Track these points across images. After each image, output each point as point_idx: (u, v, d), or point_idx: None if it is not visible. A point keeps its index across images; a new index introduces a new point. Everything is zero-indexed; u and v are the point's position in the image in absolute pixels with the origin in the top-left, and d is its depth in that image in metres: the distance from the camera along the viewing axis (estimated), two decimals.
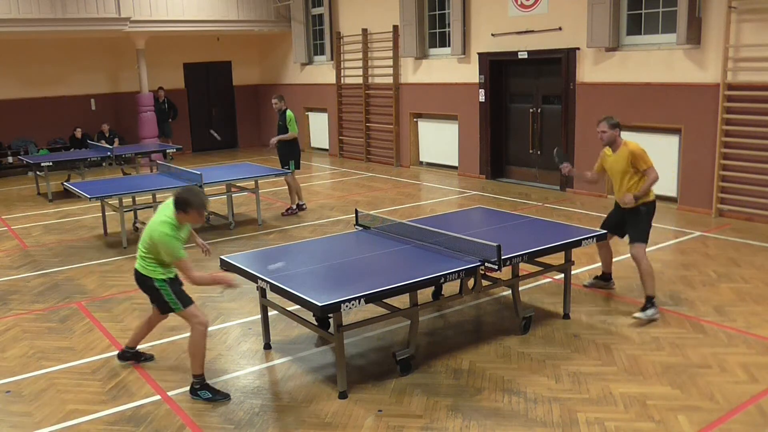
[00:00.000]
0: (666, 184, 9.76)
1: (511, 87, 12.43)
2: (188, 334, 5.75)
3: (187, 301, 4.77)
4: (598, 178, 6.40)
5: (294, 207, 10.40)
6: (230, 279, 4.77)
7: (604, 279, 6.61)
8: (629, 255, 6.64)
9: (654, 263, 7.04)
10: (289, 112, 10.25)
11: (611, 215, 6.32)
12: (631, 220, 6.02)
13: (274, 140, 10.32)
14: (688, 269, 7.05)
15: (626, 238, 6.11)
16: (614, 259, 7.34)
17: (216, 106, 18.85)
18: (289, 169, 10.25)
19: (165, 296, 4.75)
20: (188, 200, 4.60)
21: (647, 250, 5.98)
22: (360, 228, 6.20)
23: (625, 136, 6.34)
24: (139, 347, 5.30)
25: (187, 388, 4.81)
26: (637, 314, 5.78)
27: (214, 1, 15.98)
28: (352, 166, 14.97)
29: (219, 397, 4.67)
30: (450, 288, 6.11)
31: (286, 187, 10.52)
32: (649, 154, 5.97)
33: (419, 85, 13.95)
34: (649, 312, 5.75)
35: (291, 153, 10.34)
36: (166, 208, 4.68)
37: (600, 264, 6.69)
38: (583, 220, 9.13)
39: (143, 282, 4.80)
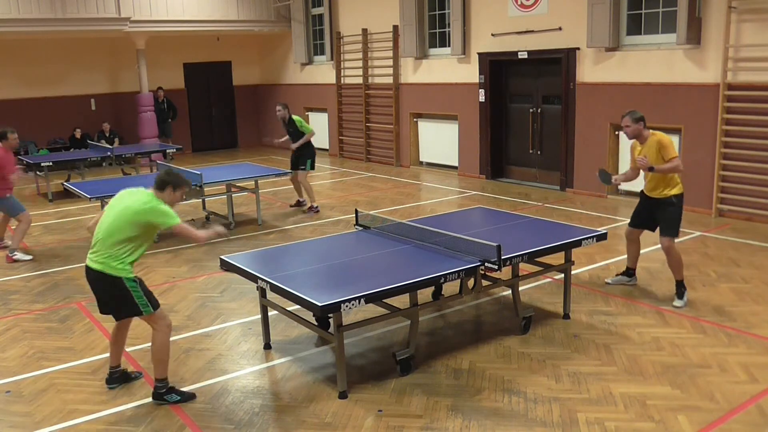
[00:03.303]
0: None
1: (511, 87, 12.43)
2: (188, 334, 5.80)
3: (155, 303, 4.55)
4: (635, 174, 6.41)
5: (315, 205, 10.37)
6: (220, 230, 4.86)
7: (628, 274, 6.65)
8: (627, 255, 6.68)
9: (654, 263, 7.06)
10: (295, 117, 10.32)
11: (639, 209, 6.38)
12: (663, 213, 6.08)
13: (294, 146, 10.36)
14: (688, 269, 7.03)
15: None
16: (614, 259, 7.37)
17: (216, 106, 18.87)
18: (305, 168, 10.30)
19: (135, 297, 4.42)
20: (176, 179, 4.55)
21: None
22: (360, 228, 6.20)
23: (625, 135, 6.34)
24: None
25: (187, 388, 4.81)
26: (677, 303, 6.03)
27: (214, 1, 15.98)
28: (352, 166, 14.98)
29: (187, 396, 4.62)
30: (450, 288, 6.11)
31: (297, 186, 10.54)
32: None
33: (419, 85, 13.95)
34: (685, 297, 6.06)
35: (310, 152, 10.37)
36: (135, 193, 4.51)
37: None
38: (583, 220, 9.13)
39: (109, 284, 4.41)
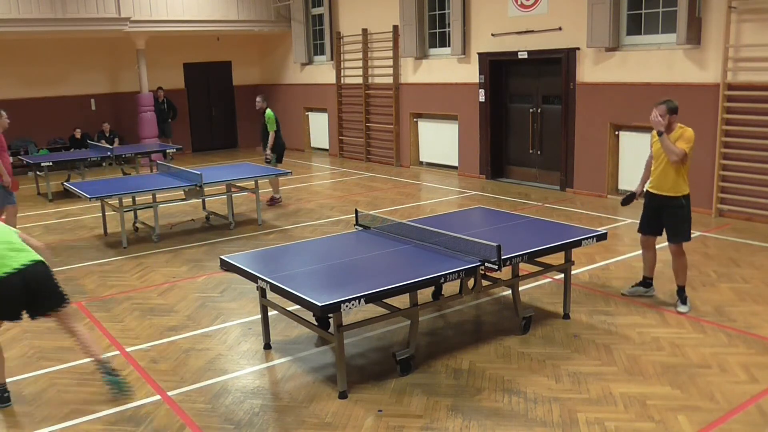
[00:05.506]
0: None
1: (511, 87, 12.43)
2: (188, 334, 5.80)
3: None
4: (650, 167, 6.14)
5: (277, 197, 10.96)
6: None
7: (645, 284, 6.29)
8: (627, 255, 6.66)
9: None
10: (268, 112, 10.82)
11: (648, 214, 6.08)
12: (673, 216, 5.86)
13: (267, 152, 10.88)
14: (688, 269, 6.98)
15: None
16: (614, 259, 7.37)
17: (216, 106, 18.87)
18: (270, 163, 10.89)
19: (58, 284, 4.56)
20: None
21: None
22: (360, 228, 6.20)
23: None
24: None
25: (187, 388, 4.81)
26: (681, 308, 5.92)
27: (214, 1, 15.98)
28: (352, 166, 14.98)
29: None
30: (450, 288, 6.11)
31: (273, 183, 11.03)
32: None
33: (419, 85, 13.95)
34: (689, 303, 5.96)
35: (273, 148, 10.90)
36: None
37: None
38: (583, 220, 9.13)
39: (46, 274, 4.52)
